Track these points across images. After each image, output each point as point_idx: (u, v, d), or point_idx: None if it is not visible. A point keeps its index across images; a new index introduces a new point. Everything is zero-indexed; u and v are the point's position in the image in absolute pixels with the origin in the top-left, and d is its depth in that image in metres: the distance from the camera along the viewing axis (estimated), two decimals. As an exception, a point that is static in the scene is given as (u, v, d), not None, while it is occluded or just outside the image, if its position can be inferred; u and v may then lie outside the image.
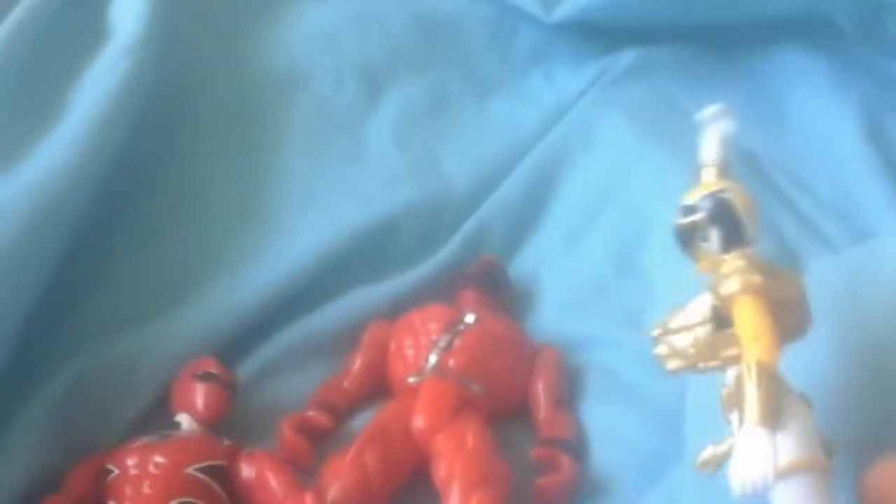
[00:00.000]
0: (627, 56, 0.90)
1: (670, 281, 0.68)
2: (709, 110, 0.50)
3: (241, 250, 0.70)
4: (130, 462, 0.54)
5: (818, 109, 0.86)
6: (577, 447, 0.59)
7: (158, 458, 0.54)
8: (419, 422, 0.57)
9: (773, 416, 0.40)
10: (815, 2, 0.87)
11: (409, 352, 0.63)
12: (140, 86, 0.72)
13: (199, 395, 0.58)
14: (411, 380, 0.61)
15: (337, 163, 0.78)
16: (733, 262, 0.46)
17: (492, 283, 0.70)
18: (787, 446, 0.40)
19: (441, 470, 0.54)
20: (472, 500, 0.52)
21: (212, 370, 0.59)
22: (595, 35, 0.91)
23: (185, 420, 0.58)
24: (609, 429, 0.61)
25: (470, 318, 0.64)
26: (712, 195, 0.47)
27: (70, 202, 0.63)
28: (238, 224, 0.72)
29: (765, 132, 0.84)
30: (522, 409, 0.63)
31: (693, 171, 0.49)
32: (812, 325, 0.46)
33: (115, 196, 0.69)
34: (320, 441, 0.60)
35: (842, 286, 0.57)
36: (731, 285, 0.44)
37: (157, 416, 0.60)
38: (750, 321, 0.43)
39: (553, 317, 0.70)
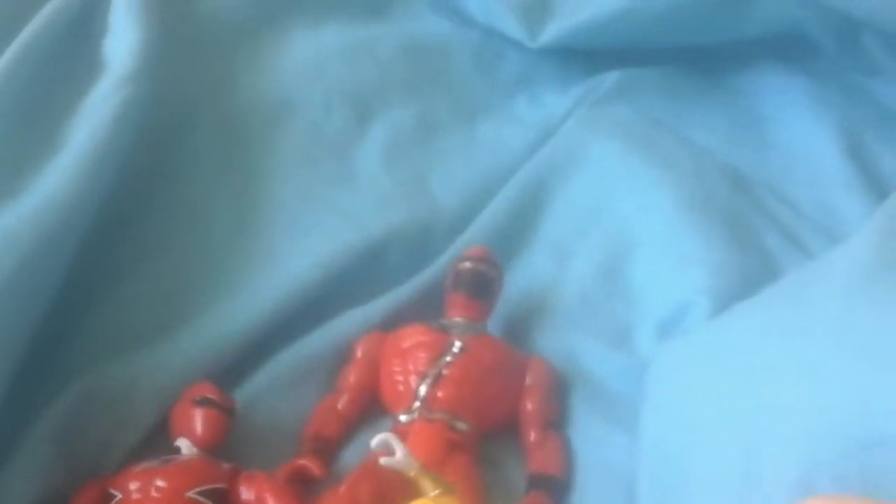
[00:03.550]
0: (611, 77, 0.91)
1: (656, 296, 0.70)
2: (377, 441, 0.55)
3: (236, 274, 0.71)
4: (133, 486, 0.55)
5: (799, 126, 0.88)
6: (562, 483, 0.61)
7: (160, 483, 0.55)
8: None
9: None
10: (794, 21, 0.88)
11: (399, 378, 0.64)
12: (134, 116, 0.73)
13: (198, 421, 0.59)
14: (402, 418, 0.62)
15: (328, 186, 0.79)
16: None
17: (481, 289, 0.69)
18: None
19: None
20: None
21: (210, 395, 0.60)
22: (579, 57, 0.93)
23: (184, 445, 0.59)
24: (595, 447, 0.63)
25: (457, 347, 0.65)
26: None
27: (69, 229, 0.65)
28: (232, 248, 0.73)
29: (747, 148, 0.86)
30: (512, 426, 0.64)
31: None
32: None
33: (110, 224, 0.70)
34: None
35: None
36: None
37: (157, 441, 0.61)
38: None
39: (541, 333, 0.71)
